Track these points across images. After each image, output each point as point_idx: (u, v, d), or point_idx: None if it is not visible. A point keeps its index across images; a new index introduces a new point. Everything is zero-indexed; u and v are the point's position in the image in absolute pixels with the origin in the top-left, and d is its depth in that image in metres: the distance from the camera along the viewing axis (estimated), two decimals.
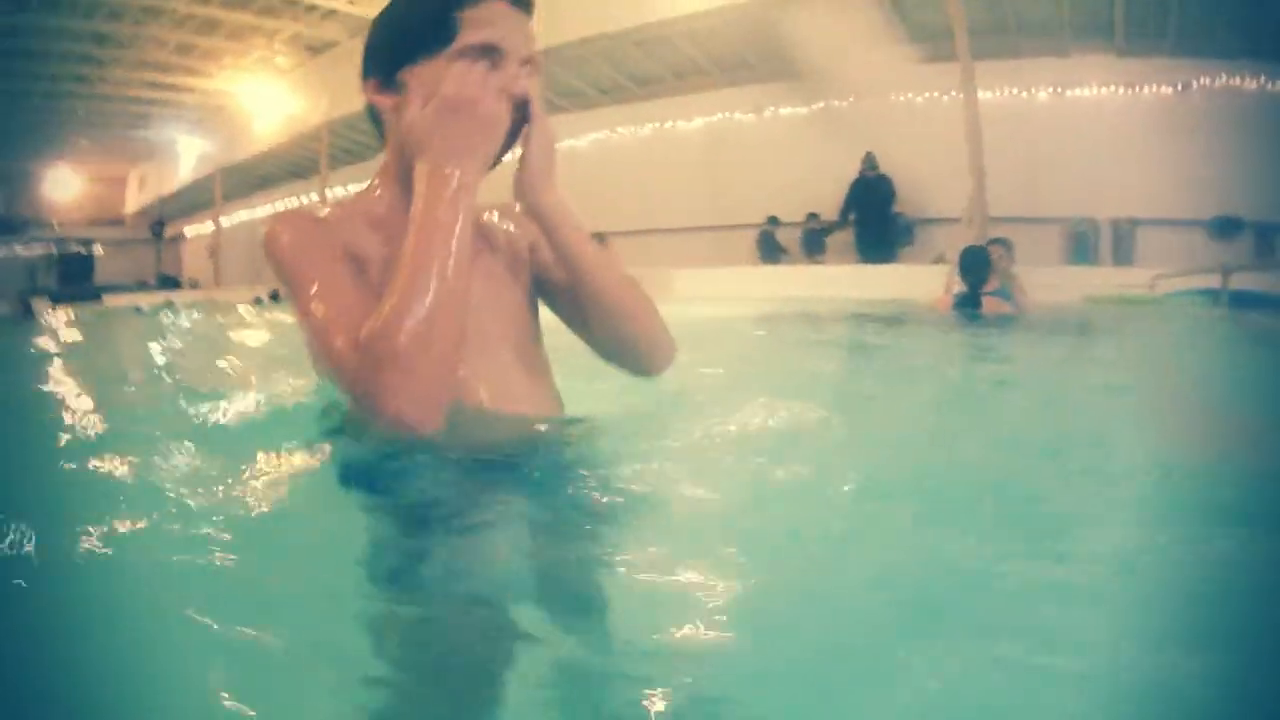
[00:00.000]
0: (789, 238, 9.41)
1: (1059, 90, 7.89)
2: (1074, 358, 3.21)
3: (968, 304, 4.58)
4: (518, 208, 0.98)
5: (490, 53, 0.88)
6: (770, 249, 9.49)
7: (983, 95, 6.95)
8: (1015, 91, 7.93)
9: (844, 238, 8.67)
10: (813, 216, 9.03)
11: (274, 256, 0.90)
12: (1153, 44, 7.52)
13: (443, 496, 0.84)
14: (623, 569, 0.77)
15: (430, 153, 0.82)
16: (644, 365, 1.04)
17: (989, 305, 4.55)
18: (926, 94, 8.28)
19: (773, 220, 9.51)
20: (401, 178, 0.92)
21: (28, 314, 7.88)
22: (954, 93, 7.27)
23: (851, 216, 8.50)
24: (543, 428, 0.96)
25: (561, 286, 1.02)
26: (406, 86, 0.89)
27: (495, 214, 1.07)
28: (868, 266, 7.70)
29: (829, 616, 0.70)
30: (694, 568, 0.72)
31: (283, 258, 0.89)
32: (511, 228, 1.07)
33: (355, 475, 0.86)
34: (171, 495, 0.86)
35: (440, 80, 0.85)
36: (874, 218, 8.27)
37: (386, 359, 0.75)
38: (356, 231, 0.93)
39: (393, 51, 0.92)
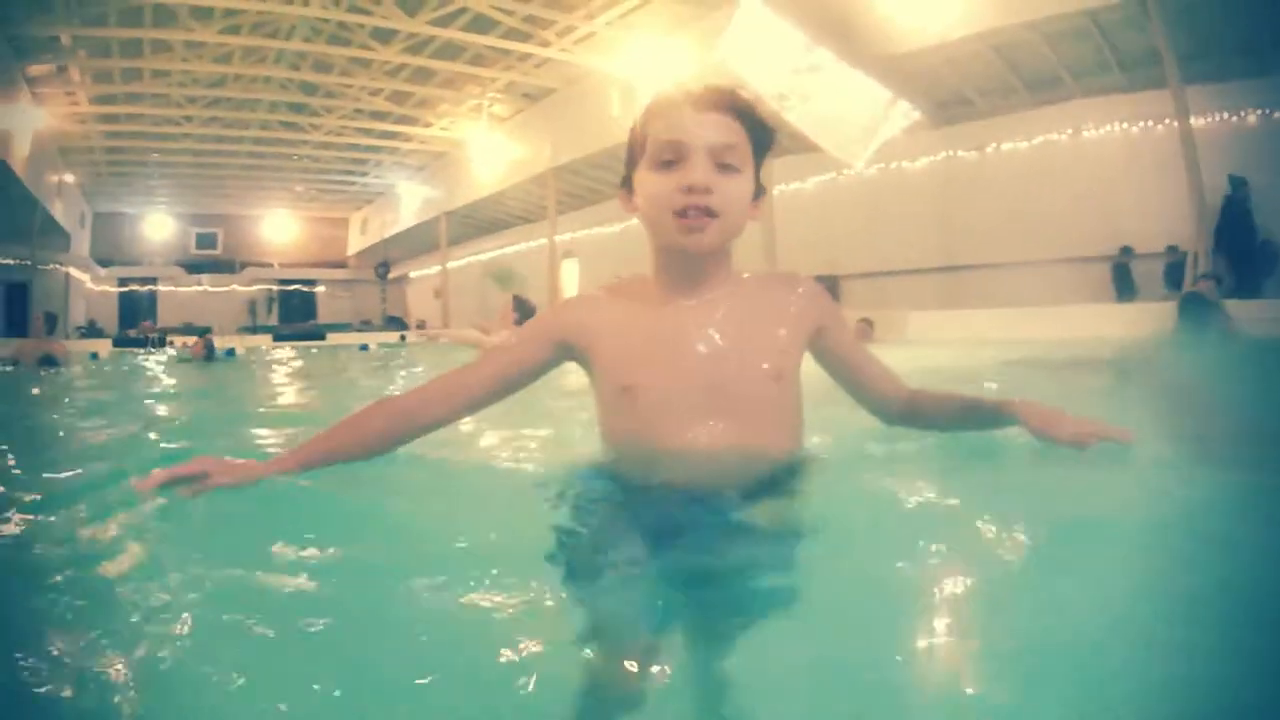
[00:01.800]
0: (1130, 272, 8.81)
1: (1267, 112, 7.89)
2: None
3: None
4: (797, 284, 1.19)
5: (675, 149, 1.05)
6: (1125, 284, 8.81)
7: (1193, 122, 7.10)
8: (1224, 116, 7.97)
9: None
10: (1172, 249, 8.24)
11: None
12: None
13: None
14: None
15: None
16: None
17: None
18: (1142, 124, 8.56)
19: (1126, 251, 8.83)
20: (657, 272, 1.16)
21: (210, 355, 8.43)
22: (1169, 120, 7.61)
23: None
24: (743, 470, 1.10)
25: (838, 373, 1.26)
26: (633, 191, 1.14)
27: (776, 281, 1.20)
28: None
29: None
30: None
31: (537, 317, 1.22)
32: (787, 295, 1.18)
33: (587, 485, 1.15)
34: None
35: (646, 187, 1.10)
36: (1241, 244, 7.63)
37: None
38: (619, 309, 1.17)
39: (625, 162, 1.16)
